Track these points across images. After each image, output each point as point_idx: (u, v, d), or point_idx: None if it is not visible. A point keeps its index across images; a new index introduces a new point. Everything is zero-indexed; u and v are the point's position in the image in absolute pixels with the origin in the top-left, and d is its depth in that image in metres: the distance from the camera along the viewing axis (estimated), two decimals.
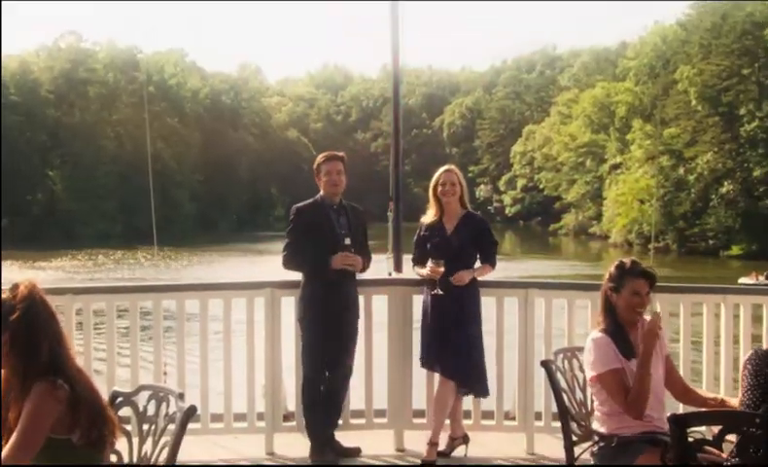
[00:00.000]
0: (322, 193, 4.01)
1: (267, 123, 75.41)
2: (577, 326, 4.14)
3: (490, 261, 4.02)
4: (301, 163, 76.90)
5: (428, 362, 4.01)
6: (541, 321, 4.16)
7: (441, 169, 4.08)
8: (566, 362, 3.12)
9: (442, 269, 3.89)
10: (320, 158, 4.04)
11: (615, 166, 47.96)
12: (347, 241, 3.80)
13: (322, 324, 3.89)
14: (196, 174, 57.52)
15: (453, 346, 3.88)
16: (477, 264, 4.05)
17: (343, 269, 3.85)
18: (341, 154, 4.09)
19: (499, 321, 4.21)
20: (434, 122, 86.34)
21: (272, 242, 45.46)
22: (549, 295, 4.21)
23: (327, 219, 3.92)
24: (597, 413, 2.87)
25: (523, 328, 4.16)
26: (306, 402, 3.96)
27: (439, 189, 4.00)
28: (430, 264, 3.95)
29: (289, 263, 3.99)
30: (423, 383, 4.20)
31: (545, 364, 3.05)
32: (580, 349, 3.29)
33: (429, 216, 4.08)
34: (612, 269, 2.93)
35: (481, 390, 3.97)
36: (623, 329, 2.83)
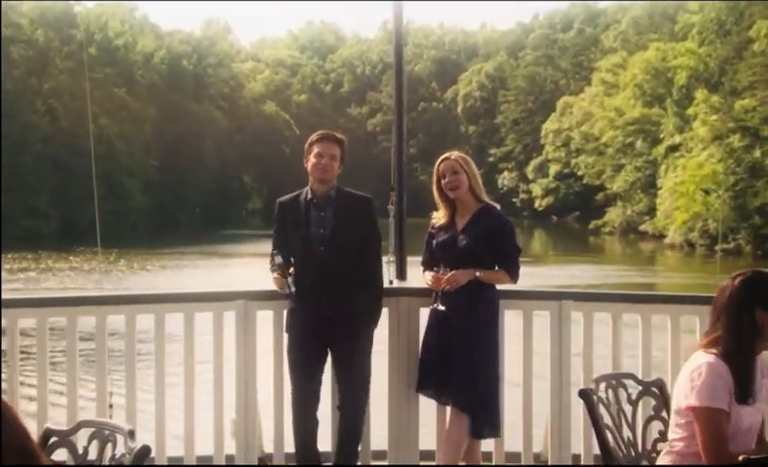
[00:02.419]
0: (309, 182, 4.09)
1: (239, 94, 75.42)
2: (625, 347, 4.16)
3: (508, 268, 4.02)
4: (281, 145, 77.06)
5: (424, 386, 4.05)
6: (578, 341, 4.18)
7: (440, 159, 4.11)
8: (610, 392, 3.14)
9: (448, 275, 3.92)
10: (314, 136, 4.13)
11: (673, 148, 47.92)
12: (278, 260, 3.90)
13: (302, 339, 3.99)
14: (150, 158, 57.60)
15: (460, 372, 3.90)
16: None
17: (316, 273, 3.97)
18: (341, 136, 4.16)
19: (526, 341, 4.24)
20: (445, 93, 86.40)
21: (245, 243, 45.73)
22: (590, 308, 4.24)
23: (302, 215, 3.97)
24: (670, 448, 2.88)
25: (556, 349, 4.19)
26: (297, 439, 4.07)
27: (443, 183, 4.05)
28: (429, 272, 4.01)
29: (270, 265, 4.13)
30: (432, 418, 4.23)
31: (585, 394, 3.07)
32: (628, 376, 3.30)
33: (441, 218, 4.12)
34: (759, 279, 2.80)
35: (489, 427, 3.98)
36: (747, 361, 2.78)
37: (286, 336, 4.12)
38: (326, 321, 3.94)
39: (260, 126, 73.59)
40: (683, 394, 2.79)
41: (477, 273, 3.94)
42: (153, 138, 58.11)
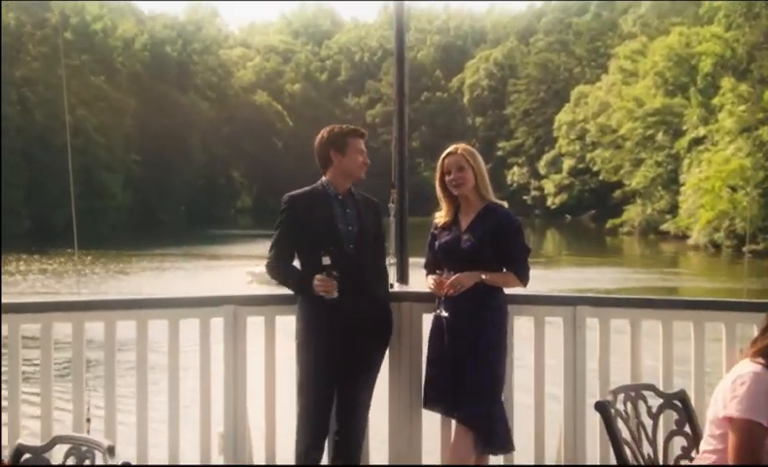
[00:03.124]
0: (327, 178, 4.05)
1: (227, 83, 75.48)
2: (646, 356, 4.17)
3: (516, 270, 4.02)
4: (273, 138, 77.12)
5: (434, 401, 4.05)
6: (594, 350, 4.19)
7: (445, 152, 4.11)
8: (629, 404, 3.14)
9: (451, 279, 3.92)
10: (351, 129, 4.12)
11: (697, 141, 47.94)
12: (326, 261, 3.81)
13: (324, 353, 3.92)
14: (131, 152, 57.68)
15: (466, 384, 3.91)
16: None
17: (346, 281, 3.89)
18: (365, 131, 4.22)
19: (538, 350, 4.25)
20: (451, 82, 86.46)
21: (234, 244, 45.75)
22: (606, 314, 4.24)
23: (327, 212, 3.96)
24: (700, 459, 2.89)
25: (570, 359, 4.20)
26: (302, 445, 4.01)
27: (447, 179, 4.06)
28: (432, 276, 4.02)
29: (272, 270, 4.06)
30: (437, 433, 4.24)
31: (601, 407, 3.07)
32: (648, 388, 3.31)
33: (443, 216, 4.13)
34: None
35: (497, 443, 3.97)
36: None
37: (296, 345, 4.03)
38: (353, 332, 3.90)
39: (249, 118, 73.60)
40: (722, 403, 2.79)
41: (483, 276, 3.94)
42: (134, 131, 58.19)
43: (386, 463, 4.32)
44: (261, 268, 27.57)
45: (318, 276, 3.82)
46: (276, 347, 4.28)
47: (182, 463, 4.23)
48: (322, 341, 3.92)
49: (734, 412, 2.75)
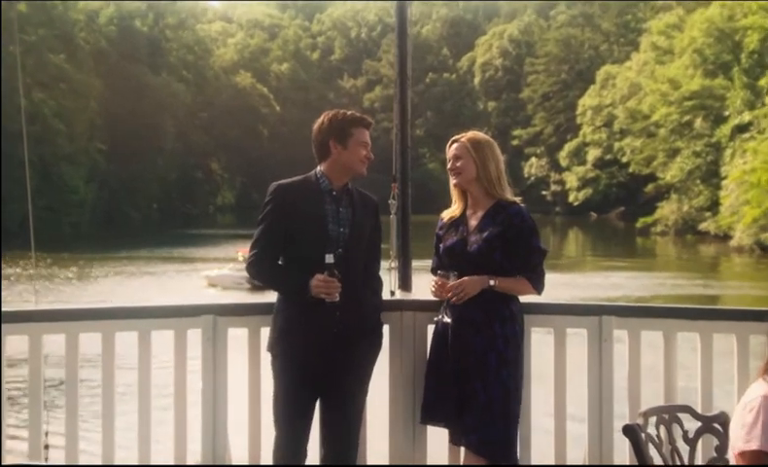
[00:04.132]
0: (323, 169, 4.06)
1: (205, 63, 75.58)
2: (682, 374, 4.19)
3: (530, 275, 4.02)
4: (258, 125, 77.20)
5: (430, 416, 4.07)
6: (622, 365, 4.20)
7: (450, 140, 4.18)
8: (662, 428, 3.16)
9: (454, 284, 3.93)
10: (349, 115, 4.08)
11: (741, 128, 47.99)
12: (329, 259, 3.83)
13: (299, 363, 3.95)
14: (96, 141, 57.69)
15: (475, 405, 3.91)
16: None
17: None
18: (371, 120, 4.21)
19: (558, 366, 4.26)
20: (460, 62, 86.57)
21: (214, 246, 45.75)
22: (636, 325, 4.25)
23: (318, 209, 3.97)
24: None
25: (596, 376, 4.21)
26: None
27: (448, 168, 4.13)
28: (432, 279, 4.04)
29: (255, 270, 4.04)
30: (444, 453, 4.25)
31: (630, 431, 3.09)
32: (684, 410, 3.32)
33: (452, 210, 4.17)
34: None
35: None
36: None
37: (270, 360, 4.07)
38: (336, 338, 3.93)
39: (231, 103, 73.71)
40: (734, 435, 2.80)
41: (491, 282, 3.95)
42: (99, 117, 58.25)
43: None
44: (220, 270, 27.30)
45: (319, 276, 3.83)
46: (261, 363, 4.28)
47: None
48: (297, 351, 3.94)
49: (743, 444, 2.75)
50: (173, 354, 4.28)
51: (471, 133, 4.15)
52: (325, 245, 3.89)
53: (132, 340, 4.26)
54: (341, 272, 3.85)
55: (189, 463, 4.28)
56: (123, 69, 61.66)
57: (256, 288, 28.26)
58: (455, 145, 4.11)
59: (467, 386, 3.92)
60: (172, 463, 4.26)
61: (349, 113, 4.09)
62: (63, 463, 4.15)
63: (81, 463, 4.18)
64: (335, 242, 3.93)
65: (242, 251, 32.11)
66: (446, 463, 4.27)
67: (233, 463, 4.33)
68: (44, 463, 4.22)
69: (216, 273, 31.67)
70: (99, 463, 4.22)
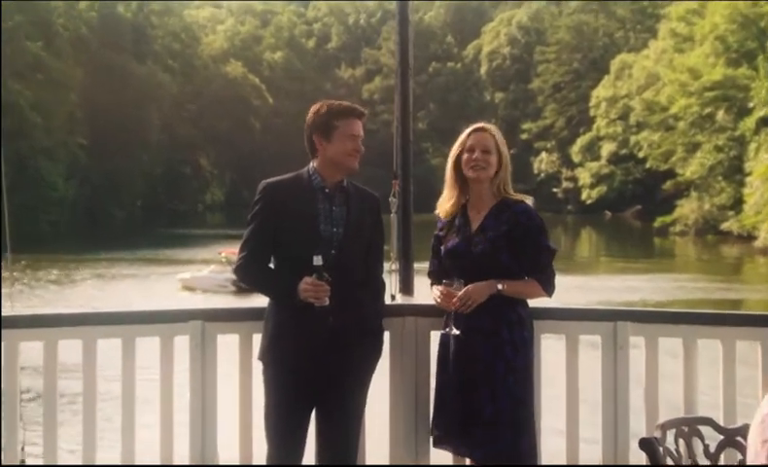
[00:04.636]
0: (315, 165, 4.05)
1: (193, 51, 75.61)
2: (703, 383, 4.19)
3: (539, 277, 4.02)
4: (250, 117, 77.14)
5: (444, 439, 4.05)
6: (639, 374, 4.20)
7: (470, 129, 4.09)
8: (681, 442, 3.16)
9: (459, 294, 3.91)
10: (334, 106, 4.06)
11: (767, 121, 47.98)
12: (317, 262, 3.82)
13: (291, 371, 3.95)
14: (76, 135, 57.69)
15: (481, 417, 3.91)
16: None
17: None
18: (363, 110, 4.16)
19: (570, 375, 4.27)
20: (465, 50, 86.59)
21: (202, 246, 45.69)
22: (654, 332, 4.26)
23: (309, 208, 3.97)
24: None
25: (610, 386, 4.21)
26: None
27: (465, 157, 4.04)
28: (437, 288, 4.00)
29: (244, 273, 4.06)
30: None
31: (647, 444, 3.09)
32: (705, 422, 3.32)
33: (443, 203, 4.13)
34: None
35: None
36: None
37: (262, 368, 4.08)
38: (329, 344, 3.92)
39: (221, 94, 73.70)
40: (752, 451, 2.78)
41: (499, 286, 3.94)
42: (79, 109, 58.28)
43: None
44: (199, 272, 27.13)
45: (307, 279, 3.82)
46: (253, 372, 4.28)
47: None
48: (289, 358, 3.94)
49: (765, 459, 2.74)
50: (159, 362, 4.28)
51: (487, 125, 4.10)
52: (317, 246, 3.87)
53: (115, 347, 4.25)
54: (335, 275, 3.84)
55: None
56: (105, 58, 61.65)
57: (242, 291, 28.27)
58: (481, 135, 4.04)
59: (473, 396, 3.91)
60: None
61: (336, 103, 4.07)
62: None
63: None
64: (329, 243, 3.92)
65: (225, 252, 32.13)
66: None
67: None
68: (44, 463, 4.24)
69: (193, 276, 31.53)
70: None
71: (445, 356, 4.03)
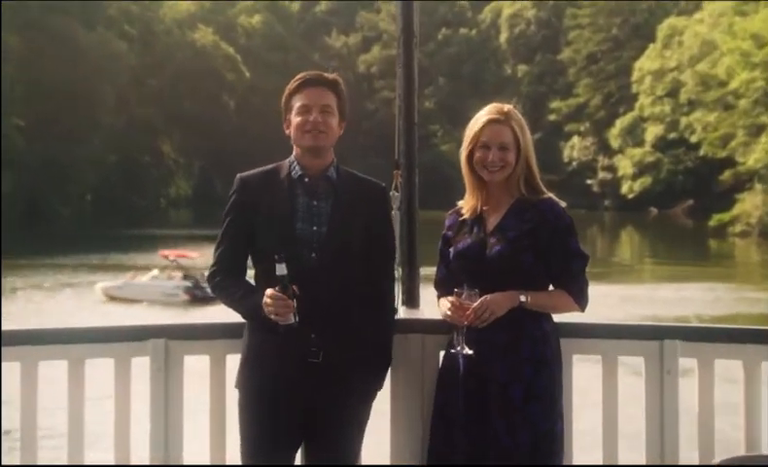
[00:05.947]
0: (295, 153, 4.08)
1: (155, 15, 75.55)
2: (767, 414, 4.20)
3: (570, 287, 4.01)
4: (223, 95, 77.07)
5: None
6: (691, 403, 4.21)
7: (482, 116, 4.05)
8: None
9: (474, 305, 3.88)
10: (293, 83, 4.10)
11: None
12: (280, 270, 3.77)
13: (268, 400, 3.95)
14: (12, 116, 57.66)
15: (497, 450, 3.89)
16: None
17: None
18: (332, 75, 4.14)
19: (607, 402, 4.27)
20: (481, 13, 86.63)
21: (165, 249, 45.59)
22: (709, 352, 4.26)
23: (284, 203, 3.98)
24: None
25: (656, 415, 4.22)
26: None
27: (478, 156, 4.02)
28: (448, 299, 3.97)
29: (210, 283, 4.09)
30: None
31: None
32: None
33: (468, 200, 4.11)
34: None
35: None
36: None
37: (237, 395, 4.09)
38: (313, 371, 3.91)
39: (187, 66, 73.74)
40: None
41: (522, 298, 3.91)
42: (17, 84, 58.21)
43: None
44: (119, 281, 27.09)
45: (269, 292, 3.80)
46: (227, 399, 4.29)
47: None
48: (265, 386, 3.94)
49: None
50: (113, 388, 4.28)
51: (507, 107, 4.05)
52: (294, 247, 3.88)
53: (61, 370, 4.26)
54: (316, 285, 3.85)
55: None
56: (48, 24, 61.58)
57: (197, 301, 28.17)
58: (496, 126, 4.00)
59: (485, 428, 3.91)
60: None
61: (298, 78, 4.09)
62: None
63: None
64: (308, 244, 3.93)
65: (171, 253, 32.08)
66: None
67: None
68: (44, 463, 4.26)
69: (116, 284, 31.49)
70: None
71: (451, 382, 4.01)
